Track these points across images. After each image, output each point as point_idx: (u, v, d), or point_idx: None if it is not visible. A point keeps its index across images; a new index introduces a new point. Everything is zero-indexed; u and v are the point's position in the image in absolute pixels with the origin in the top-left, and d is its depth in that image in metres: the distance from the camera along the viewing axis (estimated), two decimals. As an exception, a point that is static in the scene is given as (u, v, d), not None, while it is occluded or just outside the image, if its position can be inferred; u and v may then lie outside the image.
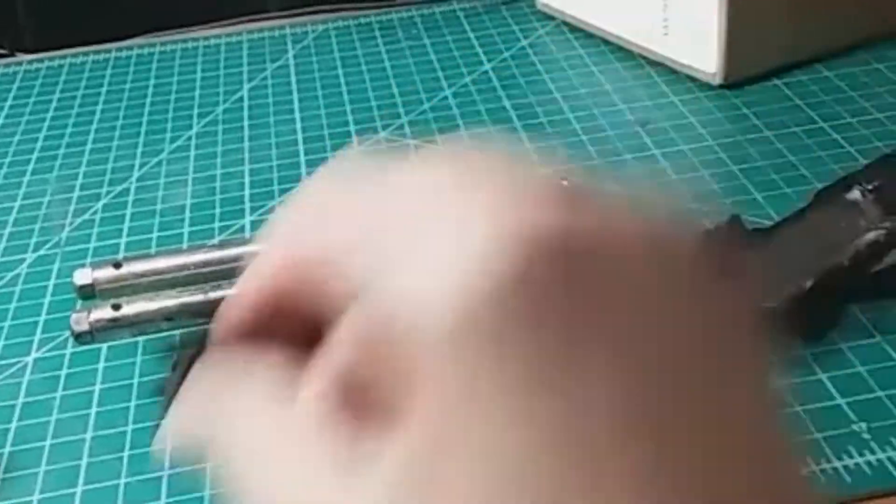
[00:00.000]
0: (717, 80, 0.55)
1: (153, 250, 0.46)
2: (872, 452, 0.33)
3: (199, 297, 0.38)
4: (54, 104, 0.61)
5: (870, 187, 0.41)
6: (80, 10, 0.73)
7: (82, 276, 0.38)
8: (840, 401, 0.35)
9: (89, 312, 0.37)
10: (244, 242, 0.40)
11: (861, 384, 0.35)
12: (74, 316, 0.37)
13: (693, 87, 0.56)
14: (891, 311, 0.38)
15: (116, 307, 0.37)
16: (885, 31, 0.58)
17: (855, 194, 0.42)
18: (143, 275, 0.38)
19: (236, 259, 0.40)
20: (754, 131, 0.51)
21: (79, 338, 0.37)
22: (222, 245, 0.41)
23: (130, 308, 0.37)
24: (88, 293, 0.38)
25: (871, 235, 0.39)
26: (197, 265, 0.39)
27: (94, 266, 0.38)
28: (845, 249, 0.39)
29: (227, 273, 0.39)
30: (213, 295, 0.38)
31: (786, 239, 0.41)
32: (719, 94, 0.55)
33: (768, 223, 0.42)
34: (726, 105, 0.54)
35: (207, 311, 0.38)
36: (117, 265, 0.38)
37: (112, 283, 0.38)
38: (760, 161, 0.49)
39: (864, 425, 0.34)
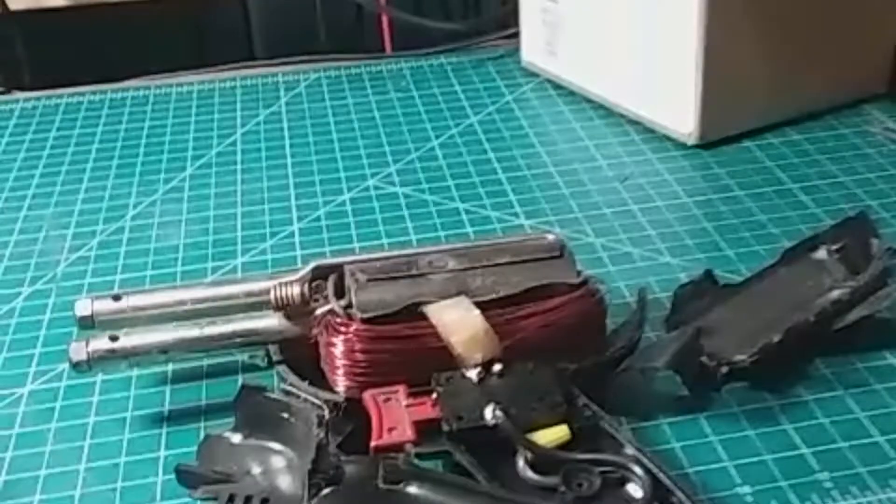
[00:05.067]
0: (693, 141, 0.58)
1: (147, 287, 0.47)
2: (834, 500, 0.35)
3: (194, 332, 0.39)
4: (51, 142, 0.63)
5: (835, 247, 0.44)
6: (75, 51, 0.75)
7: (83, 308, 0.39)
8: (804, 450, 0.37)
9: (87, 342, 0.38)
10: (238, 281, 0.42)
11: (824, 435, 0.37)
12: (73, 345, 0.38)
13: (669, 145, 0.59)
14: (853, 366, 0.40)
15: (114, 338, 0.38)
16: (851, 99, 0.61)
17: (821, 254, 0.44)
18: (141, 308, 0.40)
19: (230, 297, 0.41)
20: (727, 190, 0.54)
21: (76, 366, 0.38)
22: (217, 283, 0.42)
23: (127, 340, 0.39)
24: (88, 324, 0.39)
25: (835, 293, 0.42)
26: (193, 301, 0.40)
27: (94, 298, 0.40)
28: (812, 306, 0.41)
29: (221, 310, 0.41)
30: (207, 331, 0.40)
31: (755, 294, 0.43)
32: (694, 154, 0.58)
33: (739, 279, 0.45)
34: (700, 164, 0.57)
35: (202, 345, 0.40)
36: (117, 298, 0.40)
37: (111, 316, 0.40)
38: (732, 219, 0.51)
39: (826, 474, 0.36)
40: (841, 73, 0.60)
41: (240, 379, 0.41)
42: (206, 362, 0.42)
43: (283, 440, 0.37)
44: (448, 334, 0.37)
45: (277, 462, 0.37)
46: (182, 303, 0.40)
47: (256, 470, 0.37)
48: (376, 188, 0.56)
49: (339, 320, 0.38)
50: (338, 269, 0.40)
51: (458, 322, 0.37)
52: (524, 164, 0.58)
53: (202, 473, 0.36)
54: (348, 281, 0.39)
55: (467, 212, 0.53)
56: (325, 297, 0.39)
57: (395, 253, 0.41)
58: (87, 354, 0.38)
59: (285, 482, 0.36)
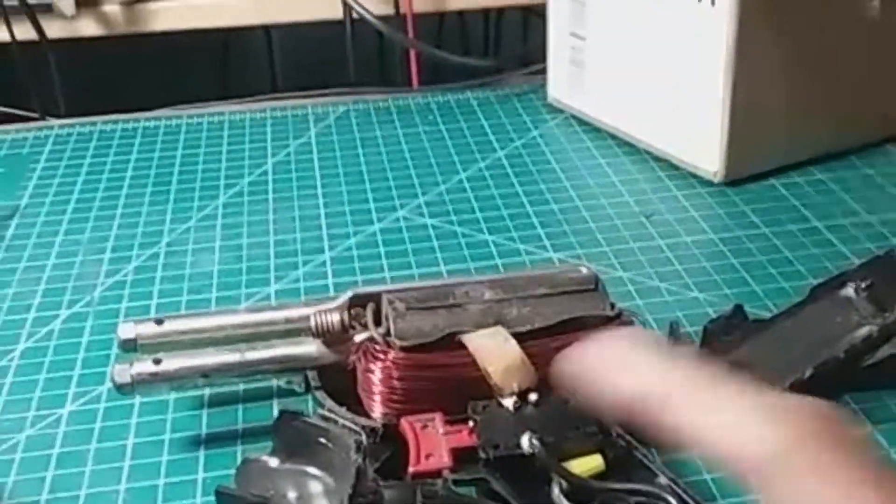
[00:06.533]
0: (718, 179, 0.59)
1: (186, 312, 0.48)
2: (865, 534, 0.35)
3: (235, 357, 0.40)
4: (85, 168, 0.64)
5: (863, 285, 0.44)
6: (108, 80, 0.77)
7: (126, 331, 0.40)
8: (835, 484, 0.37)
9: (131, 365, 0.39)
10: (276, 308, 0.43)
11: (854, 469, 0.38)
12: (117, 368, 0.39)
13: (695, 182, 0.59)
14: (882, 403, 0.41)
15: (157, 361, 0.39)
16: (876, 138, 0.62)
17: (849, 291, 0.45)
18: (182, 332, 0.41)
19: (269, 323, 0.42)
20: (753, 227, 0.55)
21: (120, 388, 0.39)
22: (256, 309, 0.43)
23: (170, 363, 0.39)
24: (130, 347, 0.40)
25: (864, 330, 0.42)
26: (233, 326, 0.41)
27: (137, 322, 0.41)
28: (841, 343, 0.41)
29: (260, 335, 0.41)
30: (247, 356, 0.40)
31: (784, 331, 0.44)
32: (719, 191, 0.58)
33: (767, 314, 0.45)
34: (726, 202, 0.57)
35: (242, 370, 0.41)
36: (159, 322, 0.40)
37: (152, 339, 0.40)
38: (758, 256, 0.52)
39: (857, 509, 0.36)
40: (866, 112, 0.61)
41: (275, 403, 0.42)
42: (241, 387, 0.43)
43: (320, 465, 0.38)
44: (485, 363, 0.38)
45: (314, 487, 0.37)
46: (222, 328, 0.41)
47: (293, 494, 0.37)
48: (406, 219, 0.57)
49: (377, 348, 0.38)
50: (375, 297, 0.41)
51: (495, 352, 0.38)
52: (551, 199, 0.59)
53: (241, 496, 0.36)
54: (387, 309, 0.39)
55: (496, 244, 0.54)
56: (364, 325, 0.40)
57: (432, 283, 0.41)
58: (130, 377, 0.39)
59: (322, 507, 0.37)
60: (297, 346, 0.41)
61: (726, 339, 0.43)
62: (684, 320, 0.46)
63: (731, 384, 0.27)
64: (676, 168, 0.61)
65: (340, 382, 0.40)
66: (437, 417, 0.37)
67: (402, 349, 0.38)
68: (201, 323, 0.41)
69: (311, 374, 0.41)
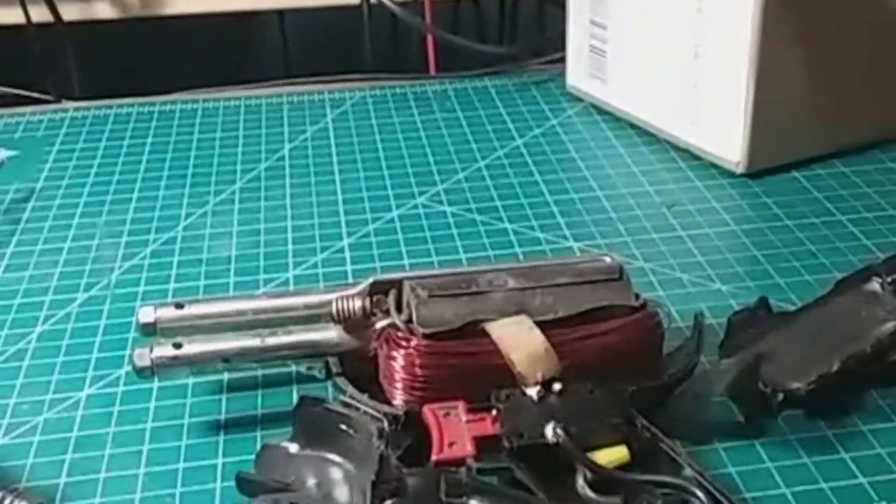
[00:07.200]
0: (740, 169, 0.58)
1: (206, 296, 0.48)
2: (891, 530, 0.35)
3: (255, 342, 0.40)
4: (101, 151, 0.64)
5: (889, 280, 0.44)
6: (124, 63, 0.76)
7: (146, 314, 0.40)
8: (862, 480, 0.37)
9: (151, 349, 0.39)
10: (297, 293, 0.42)
11: (882, 465, 0.37)
12: (137, 351, 0.39)
13: (716, 173, 0.59)
14: (909, 397, 0.41)
15: (177, 346, 0.39)
16: (898, 133, 0.62)
17: (874, 285, 0.44)
18: (202, 317, 0.40)
19: (289, 308, 0.42)
20: (775, 219, 0.54)
21: (140, 372, 0.38)
22: (276, 294, 0.43)
23: (190, 348, 0.39)
24: (150, 331, 0.40)
25: (890, 325, 0.42)
26: (254, 311, 0.41)
27: (157, 305, 0.40)
28: (867, 337, 0.41)
29: (280, 321, 0.41)
30: (268, 341, 0.40)
31: (810, 324, 0.43)
32: (741, 182, 0.58)
33: (791, 307, 0.45)
34: (748, 193, 0.57)
35: (262, 356, 0.40)
36: (179, 306, 0.40)
37: (172, 323, 0.40)
38: (782, 248, 0.51)
39: (883, 504, 0.36)
40: (890, 106, 0.61)
41: (294, 389, 0.42)
42: (260, 372, 0.43)
43: (340, 452, 0.37)
44: (508, 351, 0.37)
45: (335, 473, 0.37)
46: (242, 313, 0.41)
47: (313, 481, 0.37)
48: (424, 206, 0.57)
49: (400, 335, 0.38)
50: (397, 284, 0.40)
51: (519, 339, 0.37)
52: (571, 188, 0.58)
53: (262, 482, 0.36)
54: (409, 296, 0.39)
55: (515, 232, 0.54)
56: (385, 312, 0.40)
57: (455, 270, 0.41)
58: (150, 361, 0.38)
59: (342, 494, 0.36)
60: (318, 332, 0.40)
61: (751, 331, 0.42)
62: (707, 312, 0.46)
63: None
64: (698, 158, 0.60)
65: (361, 369, 0.40)
66: (460, 405, 0.37)
67: (425, 336, 0.38)
68: (221, 307, 0.41)
69: (332, 361, 0.40)
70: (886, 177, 0.58)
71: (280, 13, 1.04)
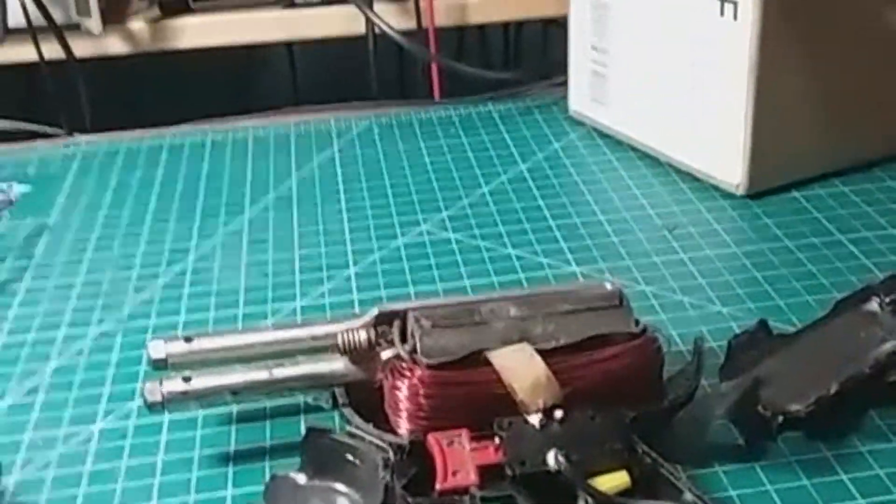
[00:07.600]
0: (741, 191, 0.59)
1: (210, 329, 0.49)
2: (892, 551, 0.35)
3: (263, 375, 0.41)
4: (112, 184, 0.65)
5: (888, 300, 0.44)
6: (135, 96, 0.78)
7: (156, 349, 0.41)
8: (861, 501, 0.37)
9: (161, 383, 0.40)
10: (303, 325, 0.43)
11: (880, 486, 0.38)
12: (147, 386, 0.40)
13: (717, 195, 0.60)
14: (908, 418, 0.41)
15: (187, 379, 0.40)
16: (898, 151, 0.62)
17: (873, 305, 0.45)
18: (211, 350, 0.41)
19: (295, 340, 0.42)
20: (776, 240, 0.55)
21: (151, 407, 0.39)
22: (283, 326, 0.44)
23: (199, 381, 0.40)
24: (161, 365, 0.41)
25: (889, 346, 0.42)
26: (261, 344, 0.41)
27: (167, 340, 0.41)
28: (866, 358, 0.41)
29: (287, 353, 0.42)
30: (276, 373, 0.41)
31: (809, 346, 0.44)
32: (742, 204, 0.58)
33: (791, 329, 0.45)
34: (749, 214, 0.57)
35: (271, 388, 0.41)
36: (188, 339, 0.41)
37: (182, 357, 0.41)
38: (782, 269, 0.52)
39: (883, 524, 0.36)
40: (889, 125, 0.61)
41: (302, 419, 0.43)
42: (268, 403, 0.43)
43: (347, 482, 0.38)
44: (510, 380, 0.38)
45: (342, 503, 0.38)
46: (250, 346, 0.41)
47: (321, 510, 0.38)
48: (429, 233, 0.57)
49: (404, 365, 0.39)
50: (401, 314, 0.41)
51: (521, 368, 0.38)
52: (574, 212, 0.59)
53: (271, 513, 0.37)
54: (413, 327, 0.40)
55: (519, 258, 0.54)
56: (390, 342, 0.40)
57: (457, 300, 0.42)
58: (161, 396, 0.39)
59: (350, 523, 0.37)
60: (324, 363, 0.41)
61: (751, 354, 0.43)
62: (708, 335, 0.46)
63: None
64: (698, 180, 0.61)
65: (367, 399, 0.40)
66: (464, 434, 0.38)
67: (429, 367, 0.38)
68: (230, 341, 0.41)
69: (339, 391, 0.41)
70: (887, 195, 0.58)
71: (289, 45, 1.05)
